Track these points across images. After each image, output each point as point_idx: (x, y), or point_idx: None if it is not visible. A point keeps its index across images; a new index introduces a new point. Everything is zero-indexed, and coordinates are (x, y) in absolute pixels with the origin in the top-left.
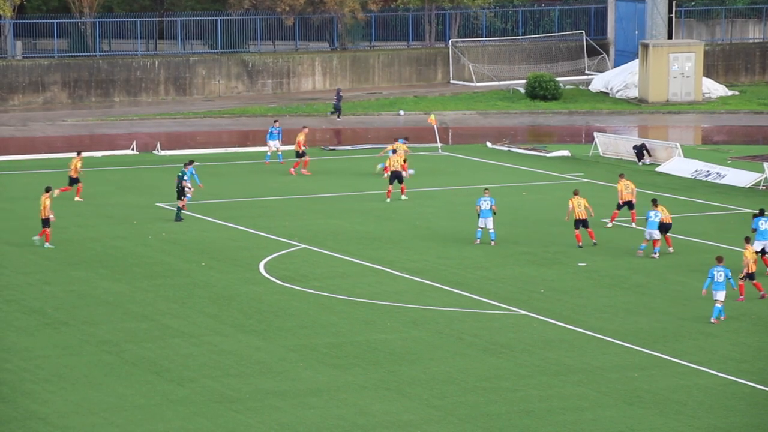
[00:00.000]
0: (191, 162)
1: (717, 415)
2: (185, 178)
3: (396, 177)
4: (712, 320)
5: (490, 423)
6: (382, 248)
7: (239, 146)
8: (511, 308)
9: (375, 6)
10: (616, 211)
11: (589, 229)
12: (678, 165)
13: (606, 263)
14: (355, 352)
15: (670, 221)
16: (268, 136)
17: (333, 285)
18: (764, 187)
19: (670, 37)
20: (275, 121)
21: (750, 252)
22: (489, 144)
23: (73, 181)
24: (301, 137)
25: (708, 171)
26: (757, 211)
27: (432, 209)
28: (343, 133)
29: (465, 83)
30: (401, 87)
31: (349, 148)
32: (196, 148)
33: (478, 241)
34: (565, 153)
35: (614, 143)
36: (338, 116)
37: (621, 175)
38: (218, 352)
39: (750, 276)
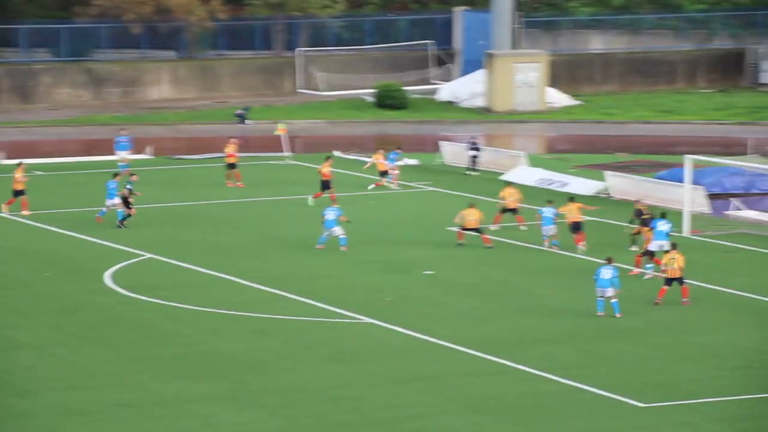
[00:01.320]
0: (132, 174)
1: (560, 420)
2: (128, 187)
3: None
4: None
5: None
6: (230, 257)
7: (85, 155)
8: (358, 316)
9: (223, 14)
10: (499, 216)
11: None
12: (523, 173)
13: (453, 271)
14: (203, 363)
15: (579, 220)
16: (115, 146)
17: (180, 295)
18: (606, 195)
19: (515, 47)
20: (122, 130)
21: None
22: (337, 153)
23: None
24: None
25: (552, 179)
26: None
27: (281, 218)
28: (193, 142)
29: (314, 92)
30: (250, 96)
31: (197, 157)
32: (41, 157)
33: (320, 246)
34: (413, 162)
35: (460, 152)
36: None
37: (508, 184)
38: (63, 364)
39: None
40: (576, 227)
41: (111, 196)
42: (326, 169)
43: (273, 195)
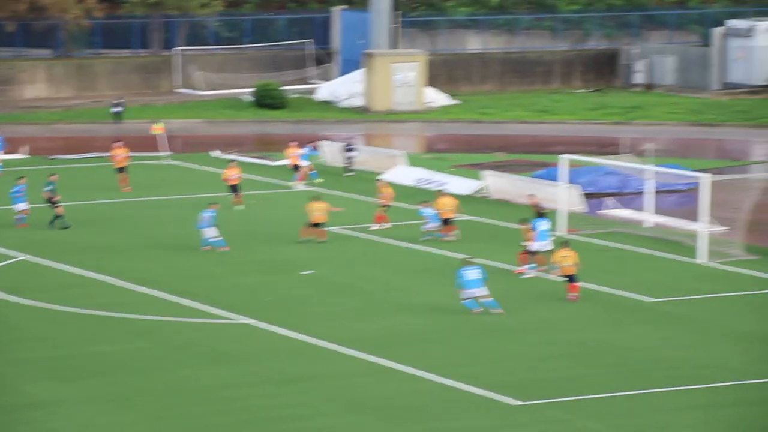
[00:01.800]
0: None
1: (438, 418)
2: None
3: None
4: None
5: None
6: (107, 258)
7: None
8: (237, 317)
9: (99, 13)
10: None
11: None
12: (402, 173)
13: (331, 271)
14: (79, 365)
15: (451, 215)
16: None
17: (56, 296)
18: (484, 195)
19: (393, 47)
20: None
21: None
22: (216, 153)
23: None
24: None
25: (430, 179)
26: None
27: (159, 219)
28: (69, 141)
29: (192, 91)
30: (128, 95)
31: (73, 156)
32: None
33: (206, 248)
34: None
35: (338, 152)
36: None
37: (383, 182)
38: None
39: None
40: (447, 221)
41: (19, 201)
42: (228, 173)
43: (151, 195)
